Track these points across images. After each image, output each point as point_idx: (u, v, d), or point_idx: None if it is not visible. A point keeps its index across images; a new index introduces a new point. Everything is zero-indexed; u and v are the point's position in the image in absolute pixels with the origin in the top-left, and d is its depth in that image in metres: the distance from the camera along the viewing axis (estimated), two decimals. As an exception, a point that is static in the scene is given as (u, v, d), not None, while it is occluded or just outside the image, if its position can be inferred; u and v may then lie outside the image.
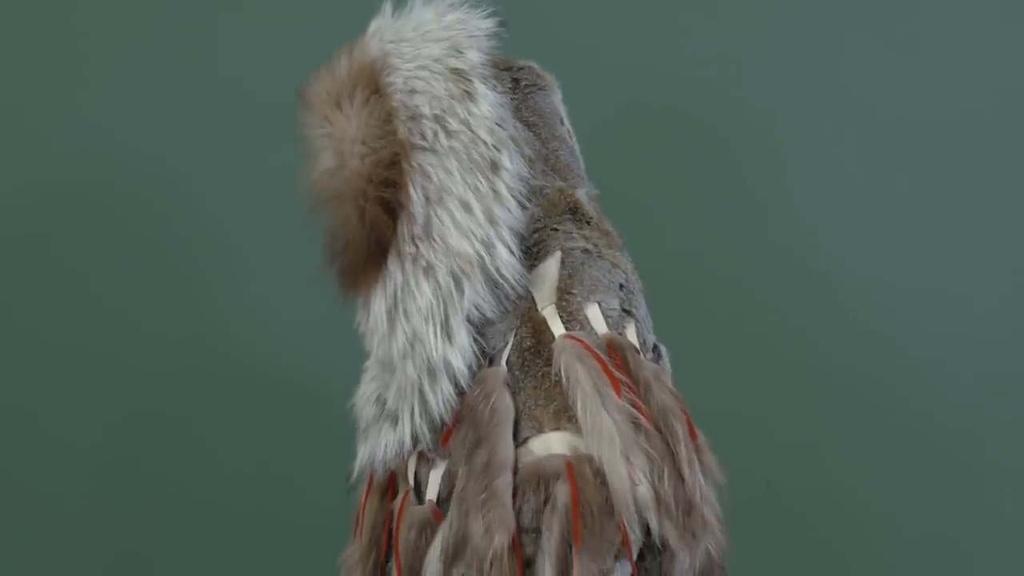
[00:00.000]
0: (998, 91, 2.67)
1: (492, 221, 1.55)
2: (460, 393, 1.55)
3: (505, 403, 1.52)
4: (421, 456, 1.60)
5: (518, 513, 1.47)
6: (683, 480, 1.49)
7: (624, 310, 1.58)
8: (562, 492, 1.46)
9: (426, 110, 1.57)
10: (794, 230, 2.68)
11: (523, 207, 1.57)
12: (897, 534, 2.68)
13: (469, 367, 1.54)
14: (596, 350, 1.52)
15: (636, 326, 1.58)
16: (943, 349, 2.67)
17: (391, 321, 1.57)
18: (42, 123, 2.66)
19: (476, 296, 1.54)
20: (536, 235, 1.60)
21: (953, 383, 2.68)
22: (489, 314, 1.55)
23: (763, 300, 2.67)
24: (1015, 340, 2.69)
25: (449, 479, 1.55)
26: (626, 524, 1.45)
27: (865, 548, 2.68)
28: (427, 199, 1.55)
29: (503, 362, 1.55)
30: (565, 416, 1.50)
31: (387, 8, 1.65)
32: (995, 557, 2.69)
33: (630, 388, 1.51)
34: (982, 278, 2.68)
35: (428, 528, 1.58)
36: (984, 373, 2.68)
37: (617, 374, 1.51)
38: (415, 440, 1.58)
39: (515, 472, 1.49)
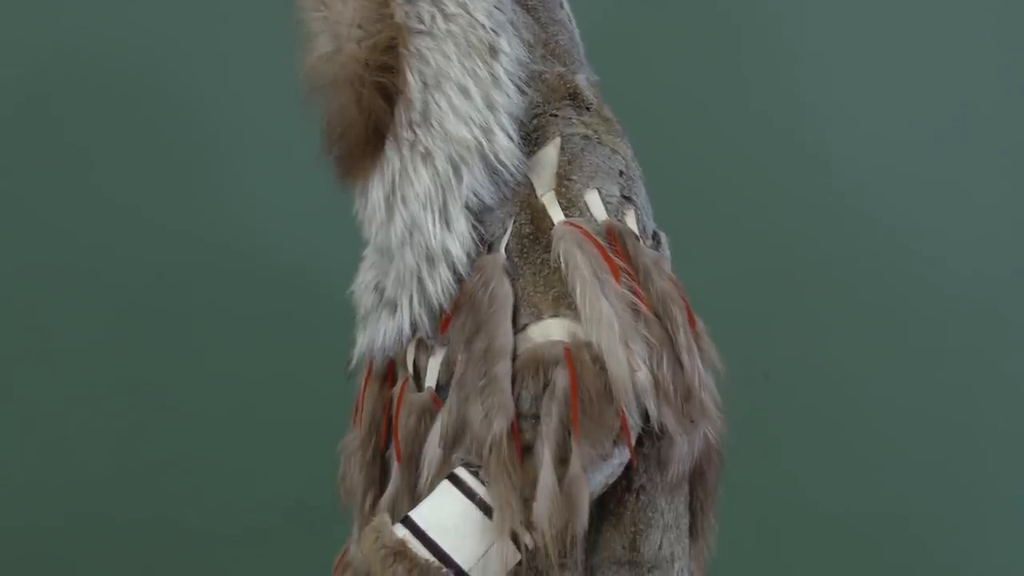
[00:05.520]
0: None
1: (491, 106, 1.53)
2: (459, 280, 1.54)
3: (504, 290, 1.51)
4: (420, 343, 1.61)
5: (517, 399, 1.47)
6: (682, 366, 1.49)
7: (624, 196, 1.57)
8: (561, 378, 1.46)
9: (423, -8, 1.55)
10: (796, 120, 2.67)
11: (522, 92, 1.56)
12: (892, 427, 2.70)
13: (468, 254, 1.54)
14: (595, 236, 1.51)
15: (636, 212, 1.57)
16: (943, 242, 2.67)
17: (389, 208, 1.56)
18: (41, 6, 2.63)
19: (475, 182, 1.53)
20: (535, 121, 1.58)
21: (953, 276, 2.68)
22: (488, 201, 1.54)
23: (764, 191, 2.66)
24: (1015, 232, 2.69)
25: (448, 366, 1.56)
26: (625, 410, 1.46)
27: (861, 441, 2.70)
28: (425, 84, 1.53)
29: (502, 249, 1.54)
30: (564, 303, 1.50)
31: None
32: (993, 441, 2.71)
33: (629, 275, 1.51)
34: (982, 170, 2.67)
35: (427, 415, 1.58)
36: (984, 266, 2.68)
37: (616, 261, 1.50)
38: (414, 327, 1.58)
39: (514, 358, 1.49)
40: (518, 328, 1.51)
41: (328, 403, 1.87)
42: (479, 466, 1.47)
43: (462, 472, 1.48)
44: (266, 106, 2.38)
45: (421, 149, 1.54)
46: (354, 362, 1.69)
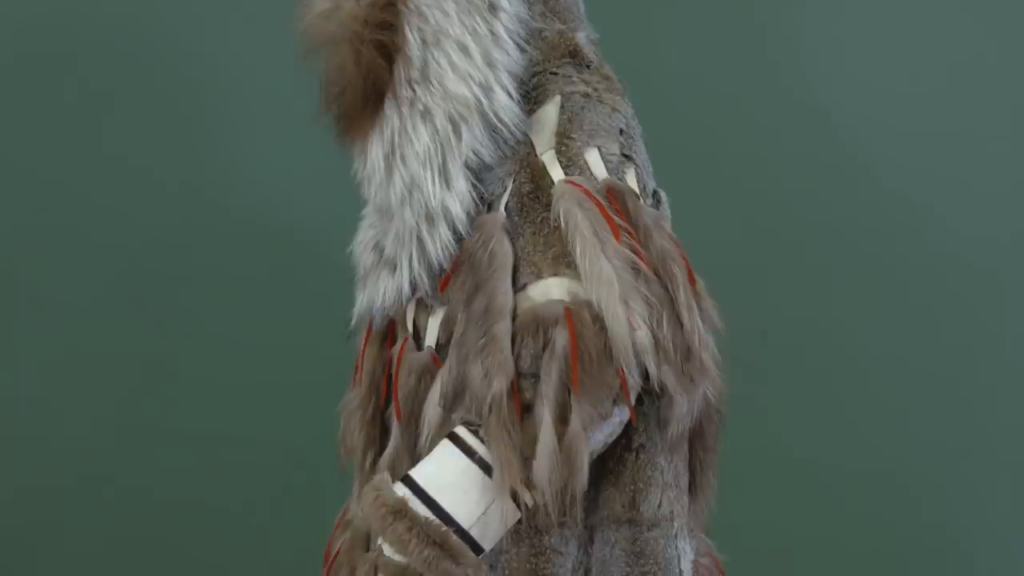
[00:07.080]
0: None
1: (490, 64, 1.53)
2: (458, 239, 1.54)
3: (504, 249, 1.51)
4: (420, 303, 1.60)
5: (517, 358, 1.47)
6: (682, 325, 1.49)
7: (624, 155, 1.56)
8: (561, 337, 1.46)
9: (421, -51, 1.53)
10: (796, 78, 2.66)
11: (522, 50, 1.55)
12: (889, 385, 2.70)
13: (467, 213, 1.53)
14: (596, 195, 1.50)
15: (636, 171, 1.57)
16: (943, 200, 2.67)
17: (388, 167, 1.55)
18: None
19: (474, 141, 1.53)
20: (535, 79, 1.58)
21: (953, 235, 2.68)
22: (487, 159, 1.54)
23: (764, 149, 2.65)
24: (1016, 191, 2.68)
25: (448, 325, 1.55)
26: (625, 369, 1.46)
27: (858, 399, 2.70)
28: (424, 42, 1.53)
29: (502, 208, 1.54)
30: (564, 262, 1.49)
31: None
32: (990, 399, 2.72)
33: (629, 233, 1.50)
34: (985, 127, 2.66)
35: (427, 374, 1.58)
36: (984, 225, 2.68)
37: (616, 219, 1.50)
38: (414, 287, 1.58)
39: (514, 318, 1.49)
40: (518, 287, 1.50)
41: (328, 363, 1.87)
42: (479, 425, 1.47)
43: (462, 431, 1.48)
44: (265, 64, 2.37)
45: (420, 107, 1.53)
46: (354, 321, 1.68)
